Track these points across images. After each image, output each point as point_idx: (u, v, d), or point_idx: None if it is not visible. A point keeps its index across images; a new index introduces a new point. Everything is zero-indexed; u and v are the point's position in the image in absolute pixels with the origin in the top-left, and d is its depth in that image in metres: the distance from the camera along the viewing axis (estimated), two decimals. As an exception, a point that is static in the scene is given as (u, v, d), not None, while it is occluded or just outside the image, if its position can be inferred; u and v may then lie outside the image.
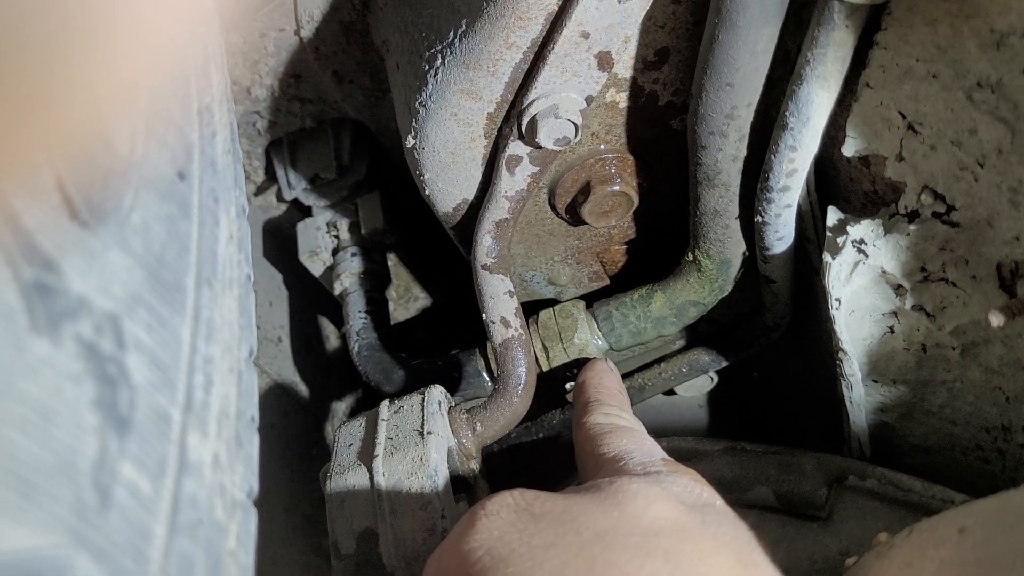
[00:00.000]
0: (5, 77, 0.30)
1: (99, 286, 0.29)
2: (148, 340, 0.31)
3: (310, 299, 1.16)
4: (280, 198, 1.08)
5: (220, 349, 0.37)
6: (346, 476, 0.67)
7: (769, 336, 0.90)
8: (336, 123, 1.02)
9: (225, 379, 0.38)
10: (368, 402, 1.16)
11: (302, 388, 1.07)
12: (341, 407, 1.15)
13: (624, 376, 0.95)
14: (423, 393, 0.72)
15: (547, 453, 0.97)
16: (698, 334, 0.96)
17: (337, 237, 1.02)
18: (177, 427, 0.31)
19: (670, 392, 1.00)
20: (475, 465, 0.72)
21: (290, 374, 1.05)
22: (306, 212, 1.06)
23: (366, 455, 0.68)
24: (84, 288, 0.28)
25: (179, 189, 0.36)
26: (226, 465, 0.36)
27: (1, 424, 0.24)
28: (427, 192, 0.78)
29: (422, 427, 0.68)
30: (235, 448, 0.38)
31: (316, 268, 1.03)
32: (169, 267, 0.34)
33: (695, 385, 0.99)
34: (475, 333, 0.94)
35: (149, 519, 0.28)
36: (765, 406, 1.13)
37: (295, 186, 1.02)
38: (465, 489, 0.69)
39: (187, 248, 0.36)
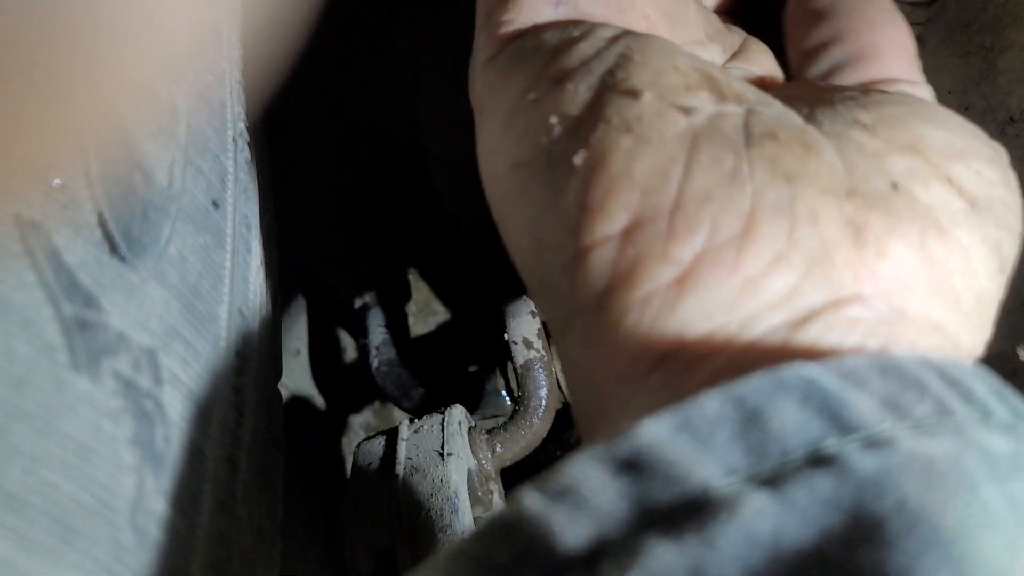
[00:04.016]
0: (39, 105, 0.30)
1: (137, 321, 0.29)
2: (183, 374, 0.31)
3: (328, 310, 1.16)
4: (302, 210, 1.08)
5: (251, 379, 0.38)
6: (365, 495, 0.67)
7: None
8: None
9: (255, 408, 0.38)
10: (385, 416, 1.16)
11: (318, 401, 1.07)
12: (357, 420, 1.15)
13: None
14: (443, 413, 0.71)
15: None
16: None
17: (358, 250, 1.02)
18: (210, 462, 0.31)
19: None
20: (494, 487, 0.72)
21: (307, 387, 1.05)
22: (328, 224, 1.06)
23: (386, 475, 0.68)
24: (123, 323, 0.28)
25: (214, 219, 0.37)
26: (255, 496, 0.36)
27: (42, 466, 0.24)
28: (452, 208, 0.78)
29: (442, 448, 0.68)
30: (263, 478, 0.38)
31: (337, 279, 1.03)
32: (204, 298, 0.34)
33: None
34: (494, 350, 0.93)
35: (183, 558, 0.28)
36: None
37: (317, 199, 1.02)
38: (484, 511, 0.69)
39: (221, 278, 0.36)
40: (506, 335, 0.76)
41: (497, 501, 0.70)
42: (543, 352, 0.76)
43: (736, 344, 0.26)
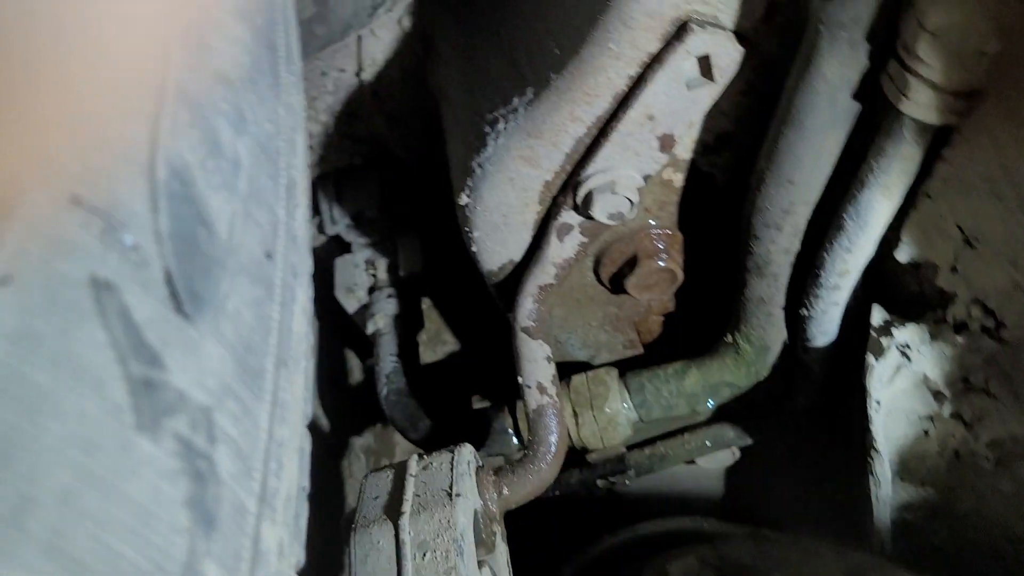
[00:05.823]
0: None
1: (196, 379, 0.29)
2: (234, 431, 0.31)
3: (337, 331, 1.16)
4: (321, 230, 1.09)
5: (290, 430, 0.38)
6: (371, 531, 0.67)
7: (797, 418, 0.90)
8: (383, 163, 1.03)
9: (292, 459, 0.38)
10: (385, 440, 1.16)
11: (323, 422, 1.07)
12: (358, 442, 1.15)
13: (646, 443, 0.95)
14: (453, 451, 0.71)
15: (564, 511, 0.97)
16: (725, 408, 0.96)
17: (375, 276, 1.03)
18: (252, 519, 0.32)
19: (690, 460, 1.00)
20: (497, 528, 0.72)
21: (313, 407, 1.05)
22: (345, 247, 1.06)
23: (392, 511, 0.68)
24: (183, 382, 0.29)
25: (266, 271, 0.37)
26: (287, 549, 0.36)
27: (106, 531, 0.24)
28: (474, 249, 0.79)
29: (451, 488, 0.68)
30: (295, 528, 0.38)
31: (350, 305, 1.04)
32: (254, 352, 0.34)
33: (717, 458, 0.98)
34: (501, 387, 0.94)
35: (226, 620, 0.28)
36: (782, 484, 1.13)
37: (338, 222, 1.03)
38: (486, 553, 0.69)
39: (269, 330, 0.36)
40: (520, 378, 0.76)
41: (500, 544, 0.70)
42: (556, 399, 0.76)
43: None
